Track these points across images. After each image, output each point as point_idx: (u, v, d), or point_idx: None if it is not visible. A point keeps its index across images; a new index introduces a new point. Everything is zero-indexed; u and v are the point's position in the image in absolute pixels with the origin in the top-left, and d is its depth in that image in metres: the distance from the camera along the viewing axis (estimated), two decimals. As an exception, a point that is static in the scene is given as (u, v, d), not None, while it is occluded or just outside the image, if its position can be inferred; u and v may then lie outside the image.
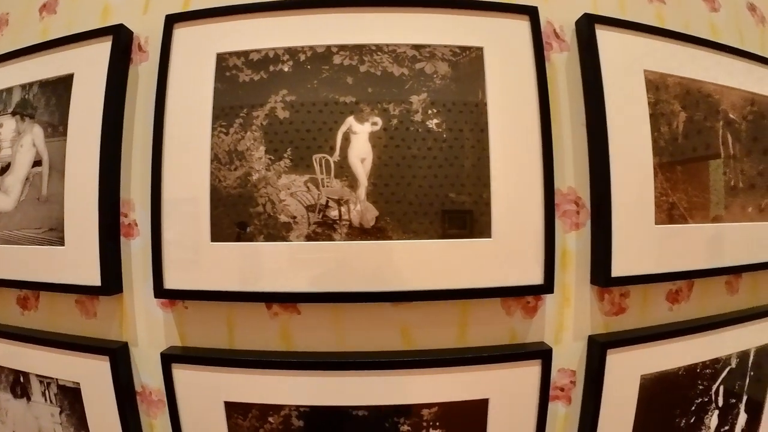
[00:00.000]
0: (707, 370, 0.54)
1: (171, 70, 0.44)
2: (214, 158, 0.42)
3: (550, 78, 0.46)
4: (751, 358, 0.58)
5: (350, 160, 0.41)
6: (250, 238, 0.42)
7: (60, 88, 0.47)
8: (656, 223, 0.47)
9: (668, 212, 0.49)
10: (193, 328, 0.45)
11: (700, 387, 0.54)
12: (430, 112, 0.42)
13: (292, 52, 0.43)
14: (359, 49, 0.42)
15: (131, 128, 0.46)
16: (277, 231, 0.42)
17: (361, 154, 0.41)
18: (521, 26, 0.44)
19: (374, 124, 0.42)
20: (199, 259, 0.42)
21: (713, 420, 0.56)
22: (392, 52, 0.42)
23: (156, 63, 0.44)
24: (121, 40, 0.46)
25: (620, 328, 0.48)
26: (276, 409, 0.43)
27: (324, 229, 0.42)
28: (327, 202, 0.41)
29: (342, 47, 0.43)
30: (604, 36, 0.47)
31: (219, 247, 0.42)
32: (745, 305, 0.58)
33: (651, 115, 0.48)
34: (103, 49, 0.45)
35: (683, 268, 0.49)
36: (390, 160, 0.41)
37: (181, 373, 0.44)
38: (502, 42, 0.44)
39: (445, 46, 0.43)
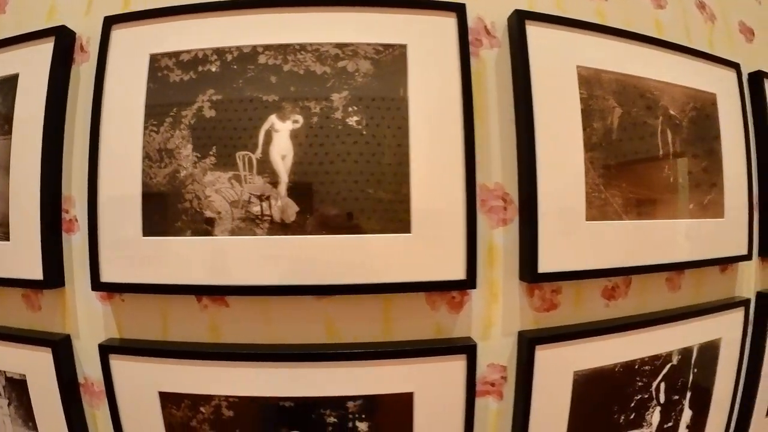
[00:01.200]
0: (646, 367, 0.53)
1: (108, 70, 0.45)
2: (146, 156, 0.44)
3: (479, 74, 0.47)
4: (695, 355, 0.57)
5: (272, 157, 0.42)
6: (180, 233, 0.44)
7: (6, 88, 0.49)
8: (587, 219, 0.47)
9: (601, 208, 0.49)
10: (129, 321, 0.46)
11: (640, 383, 0.54)
12: (350, 109, 0.43)
13: (220, 52, 0.44)
14: (284, 49, 0.43)
15: (72, 127, 0.47)
16: (203, 226, 0.43)
17: (282, 151, 0.42)
18: (447, 23, 0.45)
19: (295, 121, 0.42)
20: (132, 253, 0.44)
21: (655, 416, 0.56)
22: (315, 51, 0.43)
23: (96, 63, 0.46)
24: (63, 40, 0.48)
25: (552, 324, 0.48)
26: (207, 399, 0.44)
27: (247, 224, 0.43)
28: (249, 197, 0.42)
29: (267, 47, 0.43)
30: (535, 32, 0.47)
31: (150, 242, 0.43)
32: (689, 302, 0.57)
33: (583, 111, 0.48)
34: (46, 49, 0.47)
35: (616, 265, 0.49)
36: (310, 157, 0.42)
37: (119, 364, 0.45)
38: (426, 39, 0.44)
39: (369, 44, 0.43)
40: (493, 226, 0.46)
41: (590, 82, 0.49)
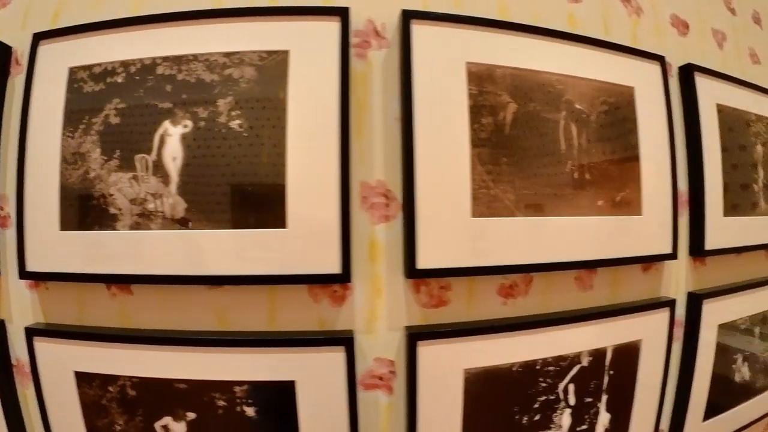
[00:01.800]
0: (550, 368, 0.52)
1: (34, 82, 0.50)
2: (63, 159, 0.49)
3: (365, 75, 0.49)
4: (609, 356, 0.55)
5: (164, 159, 0.46)
6: (90, 227, 0.48)
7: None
8: (474, 216, 0.48)
9: (489, 205, 0.48)
10: (53, 306, 0.52)
11: (544, 384, 0.52)
12: (233, 113, 0.46)
13: (126, 64, 0.48)
14: (178, 60, 0.47)
15: (8, 132, 0.53)
16: (108, 221, 0.47)
17: (173, 154, 0.46)
18: (331, 27, 0.47)
19: (185, 126, 0.46)
20: (52, 245, 0.49)
21: (565, 418, 0.54)
22: (206, 60, 0.47)
23: (27, 76, 0.52)
24: (1, 55, 0.54)
25: (442, 320, 0.49)
26: (114, 379, 0.49)
27: (144, 219, 0.47)
28: (145, 196, 0.47)
29: (165, 58, 0.47)
30: (422, 31, 0.48)
31: (66, 235, 0.48)
32: (605, 302, 0.56)
33: (472, 107, 0.48)
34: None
35: (510, 262, 0.49)
36: (198, 158, 0.45)
37: (42, 347, 0.50)
38: (308, 44, 0.46)
39: (254, 52, 0.46)
40: (374, 223, 0.47)
41: (482, 78, 0.49)
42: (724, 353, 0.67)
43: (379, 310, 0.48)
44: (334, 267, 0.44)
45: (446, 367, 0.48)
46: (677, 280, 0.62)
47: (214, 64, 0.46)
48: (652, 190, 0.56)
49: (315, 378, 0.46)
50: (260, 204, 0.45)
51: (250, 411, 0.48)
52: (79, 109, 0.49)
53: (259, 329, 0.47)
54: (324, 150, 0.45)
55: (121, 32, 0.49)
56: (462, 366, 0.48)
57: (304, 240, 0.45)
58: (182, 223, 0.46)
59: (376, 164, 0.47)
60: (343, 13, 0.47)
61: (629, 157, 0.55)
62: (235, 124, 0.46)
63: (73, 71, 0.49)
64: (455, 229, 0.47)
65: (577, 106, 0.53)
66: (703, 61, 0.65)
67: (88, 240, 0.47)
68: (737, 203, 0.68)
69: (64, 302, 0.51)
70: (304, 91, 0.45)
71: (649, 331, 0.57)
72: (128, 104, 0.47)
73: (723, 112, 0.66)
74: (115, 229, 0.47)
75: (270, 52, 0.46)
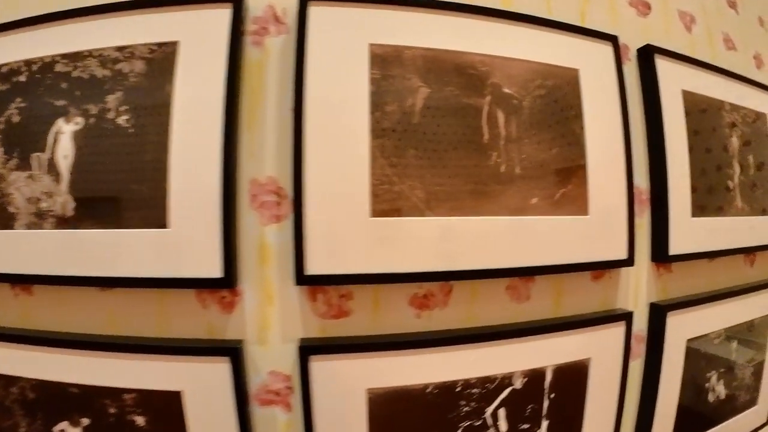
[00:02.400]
0: (474, 390, 0.45)
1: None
2: (-24, 160, 0.50)
3: (260, 64, 0.45)
4: (549, 377, 0.47)
5: (56, 158, 0.45)
6: (-6, 227, 0.49)
7: None
8: (373, 216, 0.42)
9: (393, 202, 0.43)
10: (-30, 306, 0.53)
11: (467, 408, 0.46)
12: (121, 109, 0.43)
13: (29, 63, 0.48)
14: (75, 57, 0.46)
15: None
16: (7, 220, 0.47)
17: (64, 152, 0.45)
18: (222, 16, 0.44)
19: (77, 123, 0.45)
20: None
21: None
22: (99, 56, 0.45)
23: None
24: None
25: (344, 333, 0.44)
26: (15, 380, 0.48)
27: (38, 218, 0.46)
28: (39, 195, 0.46)
29: (64, 56, 0.46)
30: (320, 12, 0.44)
31: (-24, 236, 0.50)
32: (546, 315, 0.48)
33: (373, 93, 0.43)
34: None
35: (420, 269, 0.43)
36: (86, 156, 0.44)
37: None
38: (198, 33, 0.43)
39: (144, 45, 0.44)
40: (264, 223, 0.43)
41: (387, 60, 0.44)
42: (694, 371, 0.57)
43: (272, 319, 0.44)
44: (215, 270, 0.41)
45: (346, 386, 0.43)
46: (637, 289, 0.53)
47: (107, 60, 0.45)
48: (601, 187, 0.48)
49: (202, 389, 0.43)
50: (145, 203, 0.42)
51: (140, 420, 0.45)
52: (-12, 110, 0.51)
53: (149, 335, 0.45)
54: (207, 145, 0.42)
55: (26, 31, 0.49)
56: (365, 385, 0.43)
57: (186, 241, 0.41)
58: (72, 223, 0.45)
59: (268, 159, 0.43)
60: (235, 1, 0.45)
61: (572, 148, 0.48)
62: (122, 120, 0.44)
63: (-17, 73, 0.52)
64: (352, 230, 0.42)
65: (506, 90, 0.47)
66: (668, 44, 0.57)
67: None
68: (707, 203, 0.58)
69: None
70: (191, 83, 0.43)
71: (600, 349, 0.49)
72: (28, 103, 0.47)
73: (692, 100, 0.57)
74: (12, 228, 0.47)
75: (160, 44, 0.44)
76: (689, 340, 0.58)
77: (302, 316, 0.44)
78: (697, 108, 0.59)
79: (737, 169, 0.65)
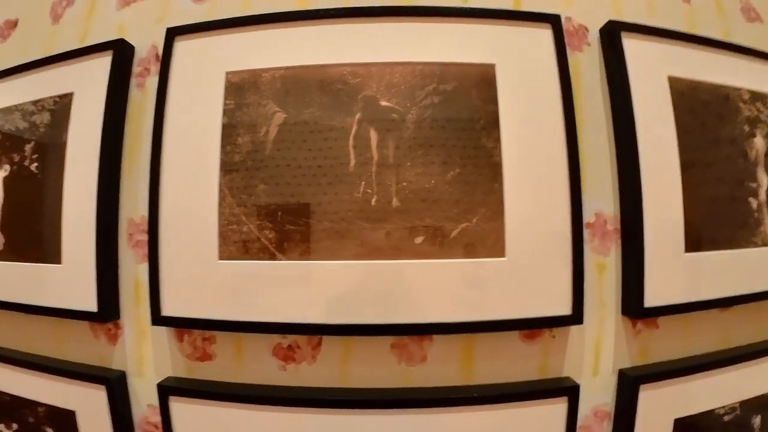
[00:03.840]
0: None
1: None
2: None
3: (141, 105, 0.44)
4: None
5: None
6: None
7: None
8: (222, 259, 0.38)
9: (241, 244, 0.38)
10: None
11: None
12: (34, 157, 0.48)
13: None
14: (5, 111, 0.52)
15: None
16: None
17: (-1, 196, 0.52)
18: (105, 63, 0.44)
19: (5, 170, 0.51)
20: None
21: None
22: (22, 110, 0.50)
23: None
24: None
25: (208, 376, 0.41)
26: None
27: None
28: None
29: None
30: (184, 47, 0.42)
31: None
32: (449, 382, 0.37)
33: (226, 126, 0.39)
34: None
35: (272, 318, 0.37)
36: (12, 199, 0.49)
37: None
38: (87, 83, 0.45)
39: (51, 97, 0.47)
40: (138, 261, 0.43)
41: (242, 88, 0.40)
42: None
43: (146, 354, 0.43)
44: (92, 305, 0.43)
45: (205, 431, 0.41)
46: (598, 353, 0.38)
47: (26, 112, 0.50)
48: (528, 219, 0.36)
49: (89, 413, 0.45)
50: (47, 240, 0.46)
51: (51, 432, 0.52)
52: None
53: (57, 357, 0.47)
54: (87, 187, 0.43)
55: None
56: (219, 435, 0.41)
57: (72, 276, 0.44)
58: (3, 257, 0.52)
59: (142, 200, 0.43)
60: (116, 46, 0.45)
61: (480, 169, 0.36)
62: (34, 167, 0.49)
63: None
64: (202, 273, 0.39)
65: (384, 104, 0.38)
66: (654, 20, 0.41)
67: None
68: (713, 231, 0.39)
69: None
70: (80, 131, 0.45)
71: (526, 426, 0.36)
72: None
73: (685, 89, 0.39)
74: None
75: (62, 96, 0.47)
76: (677, 420, 0.40)
77: (171, 354, 0.43)
78: (697, 100, 0.41)
79: (765, 180, 0.43)
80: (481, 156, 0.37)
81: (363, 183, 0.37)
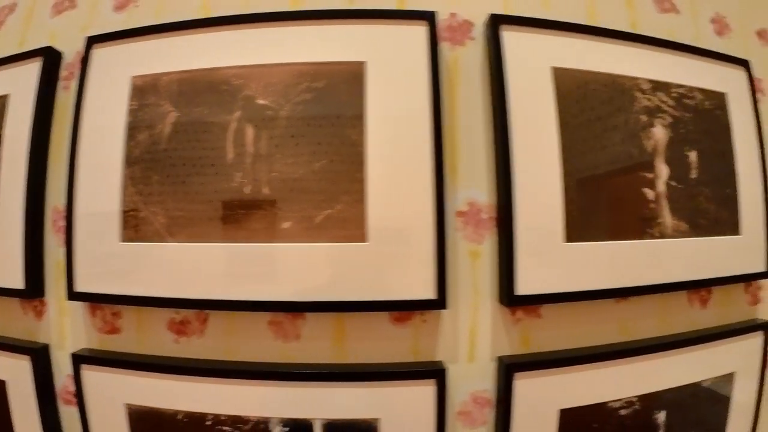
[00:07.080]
0: (225, 427, 0.41)
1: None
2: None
3: (64, 106, 0.49)
4: (318, 429, 0.38)
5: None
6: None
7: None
8: (123, 241, 0.43)
9: (138, 228, 0.43)
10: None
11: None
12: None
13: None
14: None
15: None
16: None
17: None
18: (33, 69, 0.49)
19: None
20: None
21: None
22: None
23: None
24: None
25: (115, 348, 0.45)
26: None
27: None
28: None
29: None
30: (97, 54, 0.47)
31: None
32: (322, 359, 0.41)
33: (130, 124, 0.44)
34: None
35: (164, 294, 0.41)
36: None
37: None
38: (19, 87, 0.51)
39: None
40: (60, 244, 0.48)
41: (144, 90, 0.45)
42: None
43: (66, 328, 0.48)
44: (19, 283, 0.48)
45: (109, 398, 0.45)
46: (473, 339, 0.42)
47: None
48: (391, 205, 0.39)
49: (18, 383, 0.49)
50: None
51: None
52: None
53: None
54: (20, 180, 0.49)
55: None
56: (124, 400, 0.44)
57: (5, 257, 0.48)
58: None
59: (65, 190, 0.47)
60: (46, 53, 0.50)
61: (345, 159, 0.40)
62: None
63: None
64: (107, 253, 0.44)
65: (260, 102, 0.42)
66: (552, 13, 0.44)
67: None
68: (600, 221, 0.42)
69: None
70: (13, 129, 0.49)
71: (394, 409, 0.40)
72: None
73: (572, 80, 0.42)
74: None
75: (0, 97, 0.54)
76: (563, 411, 0.42)
77: (85, 328, 0.48)
78: (585, 90, 0.43)
79: (663, 171, 0.44)
80: (346, 147, 0.41)
81: (240, 174, 0.42)
